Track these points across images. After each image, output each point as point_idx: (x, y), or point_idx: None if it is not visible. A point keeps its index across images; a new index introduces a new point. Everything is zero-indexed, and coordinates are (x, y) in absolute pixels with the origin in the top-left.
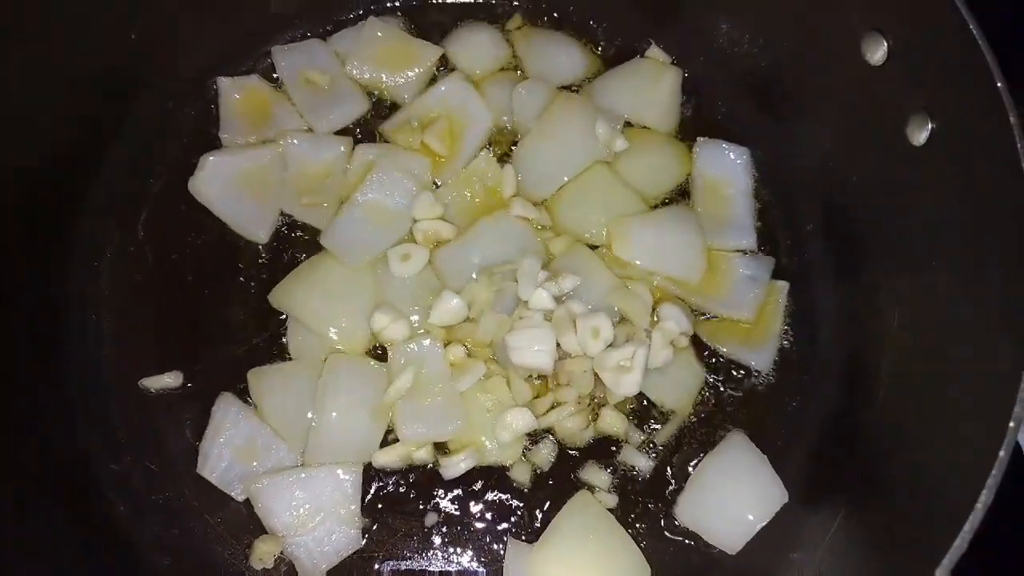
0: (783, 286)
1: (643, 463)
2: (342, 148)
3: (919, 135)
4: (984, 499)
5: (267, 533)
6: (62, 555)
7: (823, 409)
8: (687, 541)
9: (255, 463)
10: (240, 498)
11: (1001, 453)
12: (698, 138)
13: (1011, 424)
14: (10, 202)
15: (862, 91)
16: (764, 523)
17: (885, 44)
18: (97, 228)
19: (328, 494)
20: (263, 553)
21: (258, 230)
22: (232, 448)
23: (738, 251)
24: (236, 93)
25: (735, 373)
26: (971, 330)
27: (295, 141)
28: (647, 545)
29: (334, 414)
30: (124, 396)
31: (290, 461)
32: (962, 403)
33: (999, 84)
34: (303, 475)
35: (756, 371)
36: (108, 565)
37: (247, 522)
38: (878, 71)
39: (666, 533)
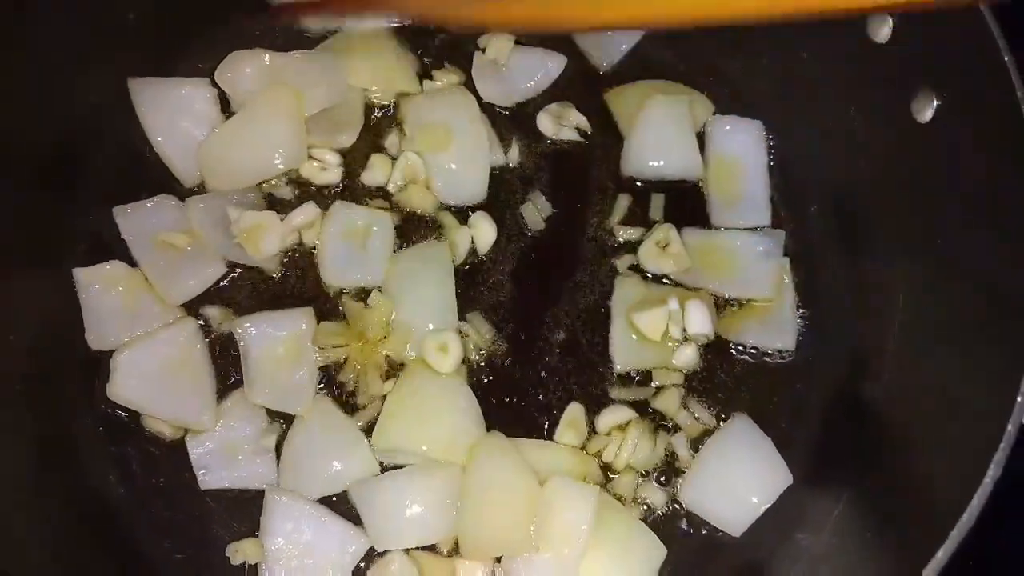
0: (785, 261)
1: (685, 452)
2: (303, 324)
3: (925, 112)
4: (992, 473)
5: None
6: (59, 538)
7: (828, 390)
8: (691, 523)
9: (240, 457)
10: (203, 486)
11: (1009, 427)
12: (708, 117)
13: (1019, 399)
14: None
15: (866, 69)
16: (768, 505)
17: (890, 21)
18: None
19: (327, 550)
20: (245, 554)
21: (201, 416)
22: (225, 438)
23: (747, 229)
24: (96, 284)
25: (737, 357)
26: (977, 308)
27: (250, 327)
28: (650, 527)
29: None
30: None
31: (268, 476)
32: (968, 381)
33: (1006, 59)
34: (322, 518)
35: (784, 351)
36: (107, 547)
37: (249, 510)
38: (883, 48)
39: (669, 516)
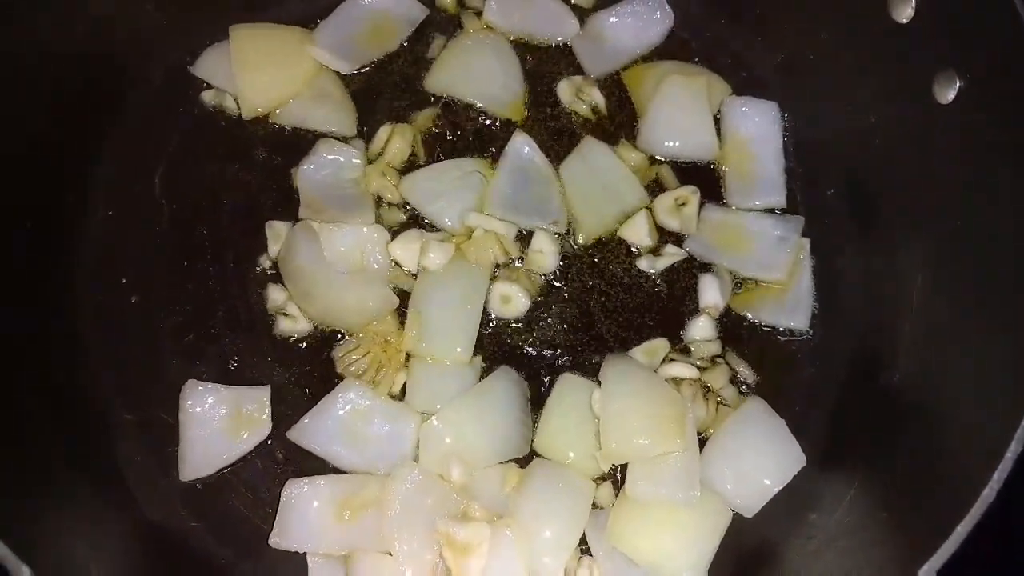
0: (805, 242)
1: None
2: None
3: (946, 94)
4: (1014, 449)
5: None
6: (77, 506)
7: (843, 372)
8: None
9: (243, 434)
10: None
11: None
12: (725, 98)
13: None
14: (22, 152)
15: (888, 50)
16: (781, 486)
17: (913, 0)
18: (114, 179)
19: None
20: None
21: None
22: (225, 409)
23: (766, 211)
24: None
25: (754, 339)
26: (994, 293)
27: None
28: None
29: None
30: (140, 347)
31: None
32: (983, 365)
33: None
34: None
35: (798, 331)
36: (124, 514)
37: (271, 473)
38: (905, 29)
39: None
